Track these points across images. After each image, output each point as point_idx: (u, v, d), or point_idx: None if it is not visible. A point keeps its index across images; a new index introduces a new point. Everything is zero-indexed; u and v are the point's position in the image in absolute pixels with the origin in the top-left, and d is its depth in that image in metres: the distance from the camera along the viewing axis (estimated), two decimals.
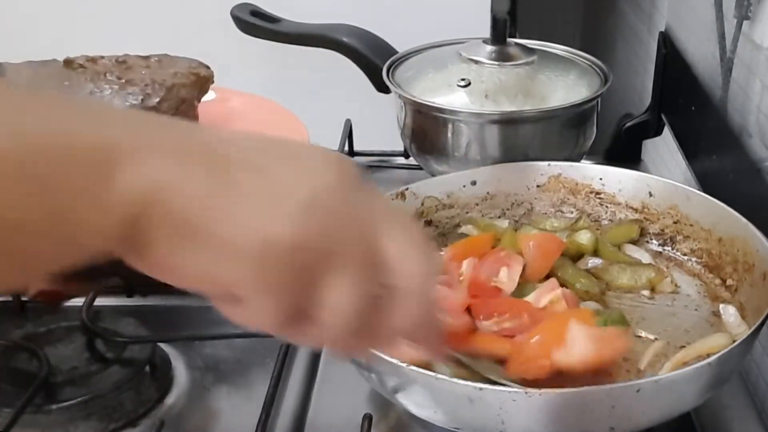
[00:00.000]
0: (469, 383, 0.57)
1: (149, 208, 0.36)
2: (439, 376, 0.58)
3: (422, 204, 0.82)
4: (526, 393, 0.55)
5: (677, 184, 0.79)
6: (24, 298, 0.85)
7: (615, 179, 0.82)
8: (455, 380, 0.57)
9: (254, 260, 0.37)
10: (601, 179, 0.83)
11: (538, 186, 0.85)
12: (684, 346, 0.66)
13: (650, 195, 0.80)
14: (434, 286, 0.43)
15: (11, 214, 0.33)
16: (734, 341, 0.61)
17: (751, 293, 0.68)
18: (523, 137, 0.90)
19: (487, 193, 0.85)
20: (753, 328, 0.60)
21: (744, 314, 0.69)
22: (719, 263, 0.74)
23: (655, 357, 0.66)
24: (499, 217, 0.85)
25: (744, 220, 0.71)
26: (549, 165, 0.85)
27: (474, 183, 0.84)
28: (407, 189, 0.81)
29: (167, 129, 0.38)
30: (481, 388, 0.56)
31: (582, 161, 0.96)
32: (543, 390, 0.56)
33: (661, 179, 0.80)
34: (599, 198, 0.83)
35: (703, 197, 0.76)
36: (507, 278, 0.70)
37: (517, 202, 0.85)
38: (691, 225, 0.77)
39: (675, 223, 0.78)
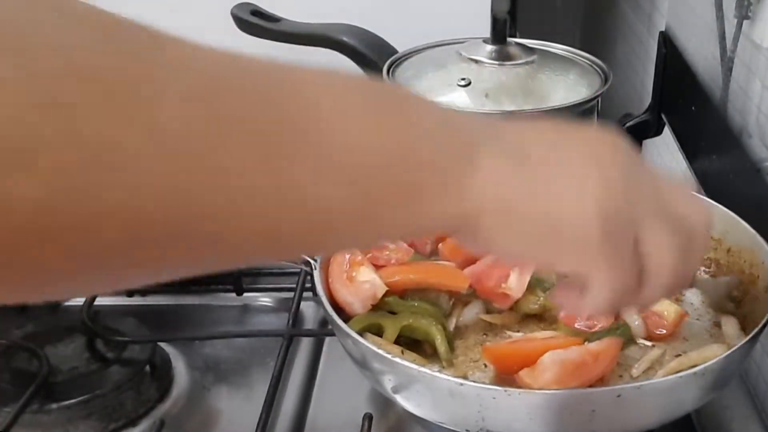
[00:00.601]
0: (451, 378, 0.57)
1: (484, 212, 0.42)
2: (422, 369, 0.58)
3: None
4: (505, 391, 0.55)
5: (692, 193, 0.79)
6: None
7: None
8: (437, 374, 0.58)
9: (587, 238, 0.43)
10: None
11: None
12: (680, 355, 0.66)
13: None
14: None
15: (377, 205, 0.39)
16: None
17: (754, 306, 0.68)
18: None
19: None
20: (745, 339, 0.60)
21: (745, 326, 0.68)
22: (726, 274, 0.73)
23: (650, 364, 0.65)
24: None
25: (753, 231, 0.70)
26: None
27: None
28: None
29: (486, 133, 0.43)
30: (461, 384, 0.56)
31: None
32: (522, 390, 0.56)
33: None
34: None
35: (715, 206, 0.75)
36: (516, 283, 0.69)
37: None
38: None
39: None
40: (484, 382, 0.62)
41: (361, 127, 0.38)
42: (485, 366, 0.65)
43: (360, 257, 0.69)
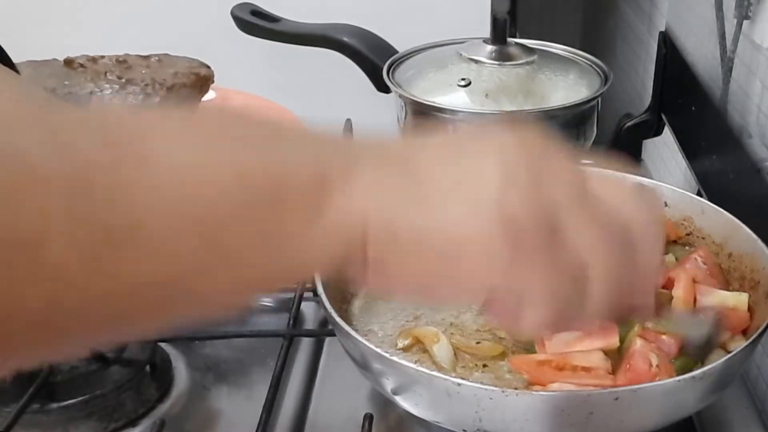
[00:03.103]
0: (448, 378, 0.57)
1: (373, 231, 0.36)
2: (421, 369, 0.58)
3: None
4: (502, 392, 0.55)
5: (693, 196, 0.79)
6: None
7: None
8: (435, 374, 0.58)
9: (491, 246, 0.37)
10: None
11: None
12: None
13: (665, 205, 0.79)
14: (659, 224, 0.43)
15: (233, 244, 0.34)
16: None
17: (754, 311, 0.67)
18: None
19: None
20: (744, 345, 0.60)
21: (744, 331, 0.67)
22: (727, 279, 0.73)
23: None
24: None
25: (754, 236, 0.70)
26: None
27: None
28: None
29: (365, 149, 0.39)
30: (458, 384, 0.56)
31: (583, 162, 0.96)
32: (519, 391, 0.56)
33: (678, 190, 0.80)
34: None
35: (717, 211, 0.75)
36: (560, 342, 0.63)
37: None
38: (703, 238, 0.76)
39: (688, 234, 0.78)
40: (482, 383, 0.62)
41: (201, 153, 0.33)
42: (485, 366, 0.65)
43: None
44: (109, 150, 0.31)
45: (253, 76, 1.19)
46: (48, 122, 0.31)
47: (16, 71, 0.75)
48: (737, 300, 0.67)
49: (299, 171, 0.35)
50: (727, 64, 0.82)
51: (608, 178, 0.42)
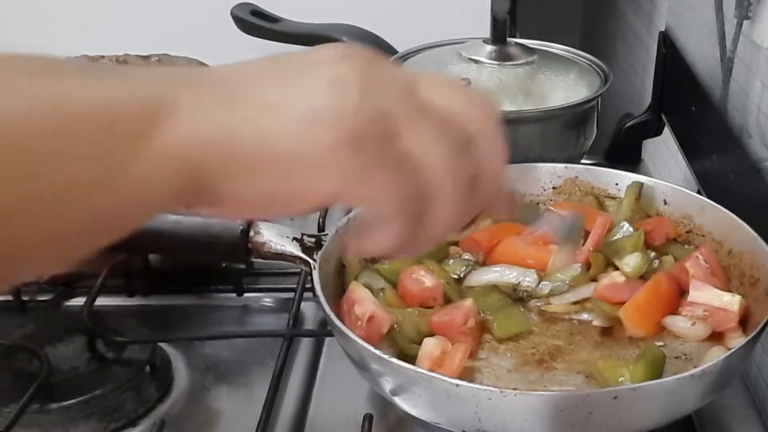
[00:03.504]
0: (447, 379, 0.57)
1: (205, 153, 0.36)
2: (419, 370, 0.58)
3: None
4: (501, 392, 0.56)
5: (692, 194, 0.79)
6: (25, 298, 0.85)
7: None
8: (433, 375, 0.58)
9: (328, 151, 0.37)
10: (617, 185, 0.82)
11: (554, 188, 0.84)
12: (679, 357, 0.66)
13: (665, 203, 0.79)
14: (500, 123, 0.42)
15: (58, 184, 0.33)
16: None
17: (754, 308, 0.68)
18: (523, 137, 0.90)
19: None
20: (744, 342, 0.60)
21: (745, 329, 0.67)
22: (727, 276, 0.73)
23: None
24: None
25: (754, 233, 0.70)
26: (566, 167, 0.84)
27: None
28: None
29: (196, 77, 0.39)
30: (457, 385, 0.56)
31: (583, 162, 0.96)
32: (518, 391, 0.56)
33: (677, 188, 0.80)
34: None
35: (717, 208, 0.75)
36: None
37: (533, 202, 0.85)
38: (703, 235, 0.76)
39: (687, 232, 0.78)
40: (482, 382, 0.62)
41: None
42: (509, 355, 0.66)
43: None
44: None
45: None
46: None
47: None
48: (727, 301, 0.67)
49: (126, 101, 0.35)
50: (727, 64, 0.82)
51: (437, 80, 0.41)
